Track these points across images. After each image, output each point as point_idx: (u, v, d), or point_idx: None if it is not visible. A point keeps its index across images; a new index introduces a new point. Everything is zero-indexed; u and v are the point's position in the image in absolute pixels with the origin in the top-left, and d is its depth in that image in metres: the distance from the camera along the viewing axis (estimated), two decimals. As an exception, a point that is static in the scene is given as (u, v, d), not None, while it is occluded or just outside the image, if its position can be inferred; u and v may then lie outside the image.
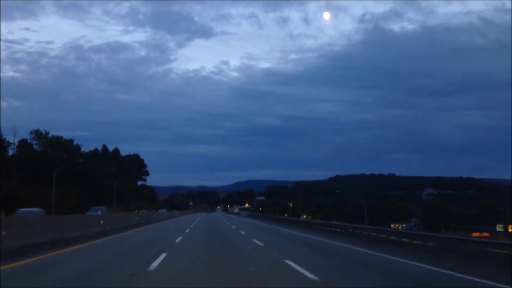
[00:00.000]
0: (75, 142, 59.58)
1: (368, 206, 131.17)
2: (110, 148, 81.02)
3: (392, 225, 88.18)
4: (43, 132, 56.16)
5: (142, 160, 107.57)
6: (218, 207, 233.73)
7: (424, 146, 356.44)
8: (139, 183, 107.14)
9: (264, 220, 58.10)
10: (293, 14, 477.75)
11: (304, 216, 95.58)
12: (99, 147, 78.90)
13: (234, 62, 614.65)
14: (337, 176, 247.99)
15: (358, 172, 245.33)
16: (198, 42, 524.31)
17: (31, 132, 55.34)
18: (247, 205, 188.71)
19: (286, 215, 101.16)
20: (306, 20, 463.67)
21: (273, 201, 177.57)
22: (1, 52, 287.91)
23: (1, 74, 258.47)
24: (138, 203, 79.42)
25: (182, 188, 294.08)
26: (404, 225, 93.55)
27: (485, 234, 77.49)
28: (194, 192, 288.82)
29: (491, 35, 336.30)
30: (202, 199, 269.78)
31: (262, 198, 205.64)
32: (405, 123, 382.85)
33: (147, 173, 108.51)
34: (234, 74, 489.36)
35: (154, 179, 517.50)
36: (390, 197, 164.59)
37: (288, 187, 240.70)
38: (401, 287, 9.25)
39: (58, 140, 57.01)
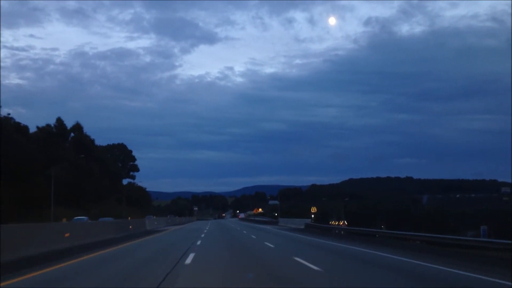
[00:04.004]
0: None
1: (408, 211, 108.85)
2: (69, 124, 57.02)
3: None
4: None
5: (130, 152, 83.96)
6: (224, 214, 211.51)
7: (431, 150, 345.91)
8: (126, 181, 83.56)
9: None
10: (298, 18, 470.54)
11: (341, 223, 72.12)
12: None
13: (239, 68, 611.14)
14: (351, 179, 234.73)
15: (372, 175, 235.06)
16: (203, 48, 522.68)
17: None
18: (260, 209, 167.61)
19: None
20: (311, 25, 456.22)
21: (288, 205, 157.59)
22: (7, 60, 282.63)
23: (7, 82, 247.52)
24: (108, 208, 56.50)
25: (188, 194, 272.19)
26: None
27: None
28: (199, 196, 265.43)
29: (498, 38, 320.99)
30: (209, 204, 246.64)
31: (276, 202, 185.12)
32: (411, 127, 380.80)
33: (136, 168, 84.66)
34: (239, 79, 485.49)
35: (159, 185, 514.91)
36: (421, 201, 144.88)
37: (303, 190, 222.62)
38: None
39: None
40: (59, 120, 53.71)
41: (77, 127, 56.57)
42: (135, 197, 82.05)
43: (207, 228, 44.28)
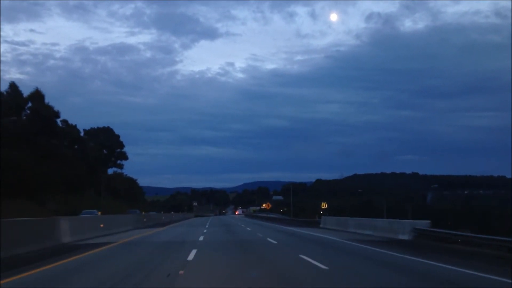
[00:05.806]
0: None
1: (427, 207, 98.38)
2: (27, 91, 44.69)
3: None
4: None
5: (118, 137, 72.70)
6: (225, 210, 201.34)
7: (434, 146, 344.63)
8: (111, 171, 72.43)
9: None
10: (299, 14, 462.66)
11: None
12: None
13: (239, 63, 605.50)
14: (355, 175, 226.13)
15: (377, 171, 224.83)
16: (204, 43, 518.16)
17: None
18: (264, 205, 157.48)
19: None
20: (312, 19, 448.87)
21: (294, 200, 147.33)
22: (7, 55, 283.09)
23: (8, 77, 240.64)
24: (83, 200, 45.59)
25: (188, 189, 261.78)
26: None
27: None
28: (199, 191, 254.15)
29: (501, 34, 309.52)
30: (209, 199, 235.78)
31: (280, 197, 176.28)
32: (413, 124, 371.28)
33: (124, 156, 73.54)
34: (240, 75, 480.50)
35: (160, 181, 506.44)
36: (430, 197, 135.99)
37: (307, 186, 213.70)
38: None
39: None
40: (13, 86, 42.07)
41: (37, 95, 44.18)
42: (123, 190, 71.16)
43: (201, 236, 22.89)
